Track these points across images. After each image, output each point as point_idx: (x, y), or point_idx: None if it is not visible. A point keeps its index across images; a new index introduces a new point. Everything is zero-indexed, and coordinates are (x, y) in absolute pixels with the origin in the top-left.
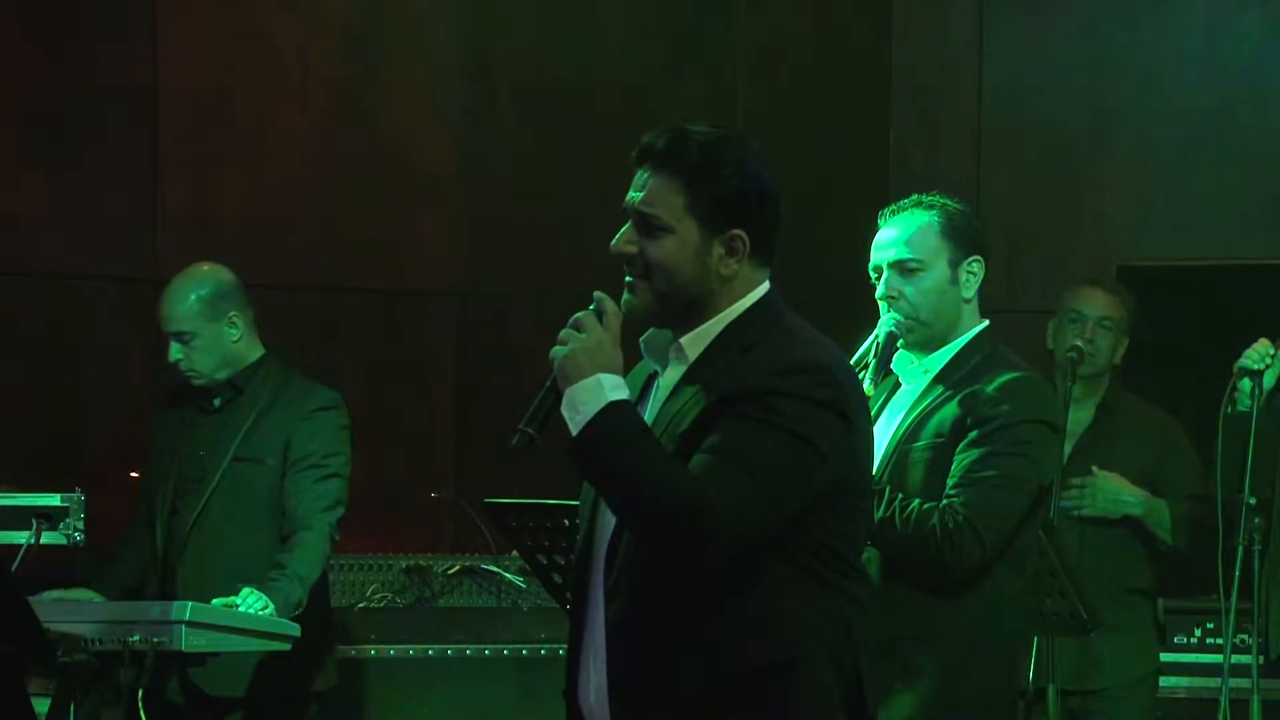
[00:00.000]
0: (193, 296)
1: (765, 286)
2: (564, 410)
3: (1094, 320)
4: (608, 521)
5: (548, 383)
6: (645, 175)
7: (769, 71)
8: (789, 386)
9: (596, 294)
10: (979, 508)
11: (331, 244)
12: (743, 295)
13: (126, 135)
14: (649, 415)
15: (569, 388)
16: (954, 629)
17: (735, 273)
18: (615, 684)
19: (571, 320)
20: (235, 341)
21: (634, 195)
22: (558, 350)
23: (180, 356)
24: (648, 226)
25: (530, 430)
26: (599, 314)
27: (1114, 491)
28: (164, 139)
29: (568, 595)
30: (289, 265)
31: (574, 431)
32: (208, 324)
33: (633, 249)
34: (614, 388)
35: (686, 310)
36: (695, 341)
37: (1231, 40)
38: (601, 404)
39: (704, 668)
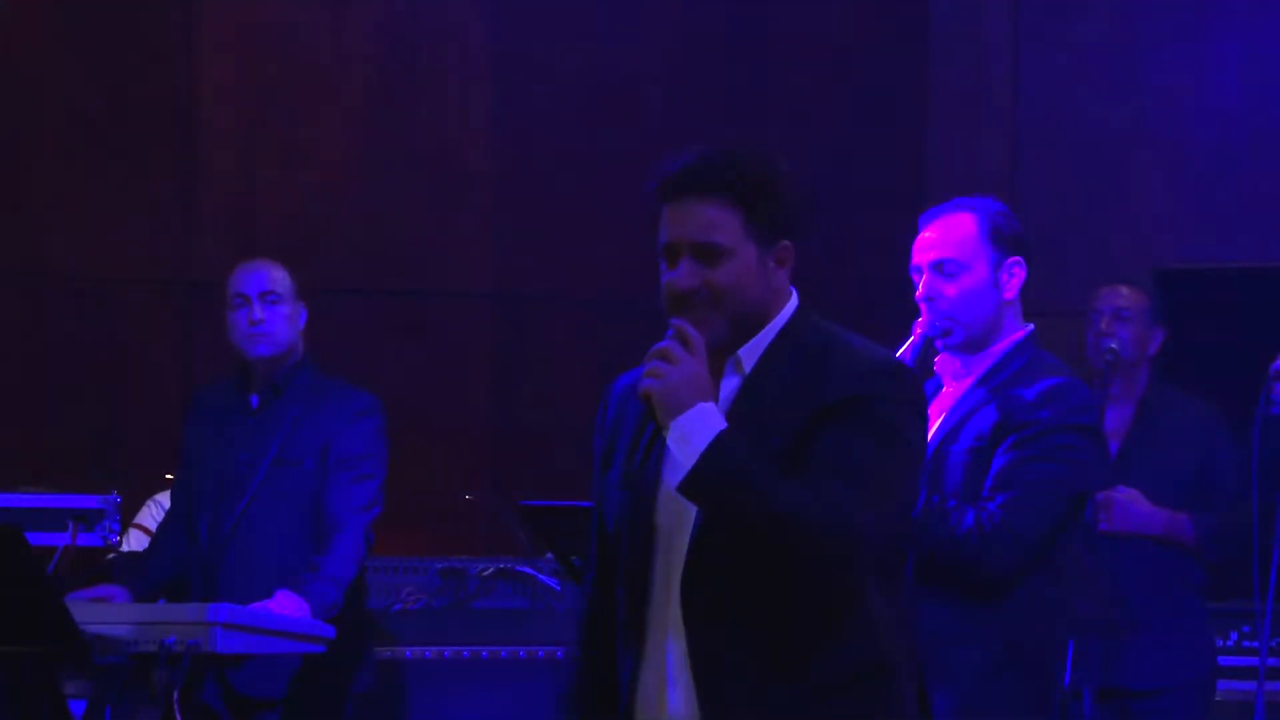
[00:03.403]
0: (286, 270)
1: (795, 294)
2: (672, 443)
3: (1109, 314)
4: (670, 546)
5: (647, 419)
6: (690, 205)
7: (804, 73)
8: (882, 390)
9: (675, 323)
10: (1015, 512)
11: (367, 245)
12: (784, 303)
13: (163, 138)
14: None
15: (674, 420)
16: (989, 632)
17: (781, 283)
18: (708, 705)
19: (655, 352)
20: (300, 330)
21: (683, 229)
22: (652, 384)
23: (262, 318)
24: (709, 255)
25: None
26: (682, 341)
27: (1133, 512)
28: (200, 142)
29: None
30: (324, 267)
31: (688, 463)
32: (293, 298)
33: (696, 282)
34: (716, 414)
35: (751, 326)
36: (750, 352)
37: (1268, 42)
38: (714, 433)
39: (800, 679)
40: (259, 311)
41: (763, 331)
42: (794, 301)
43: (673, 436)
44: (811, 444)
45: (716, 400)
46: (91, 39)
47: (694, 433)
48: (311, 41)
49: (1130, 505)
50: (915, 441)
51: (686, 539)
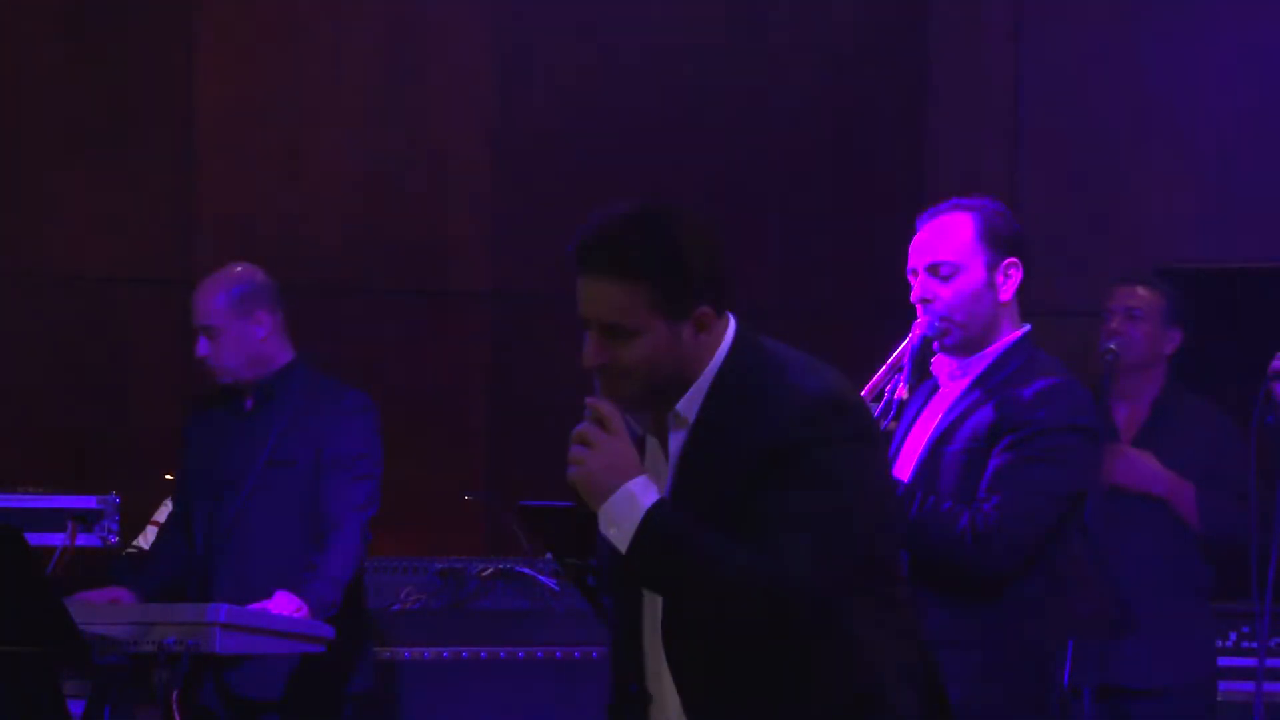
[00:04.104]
0: (222, 293)
1: (731, 324)
2: (602, 529)
3: (1122, 313)
4: (654, 601)
5: (577, 505)
6: (593, 283)
7: (803, 73)
8: (818, 433)
9: (589, 401)
10: (1010, 513)
11: (366, 246)
12: (717, 347)
13: (162, 139)
14: (662, 487)
15: (600, 507)
16: (987, 633)
17: (705, 342)
18: None
19: (574, 436)
20: (261, 340)
21: (588, 307)
22: (574, 472)
23: (208, 353)
24: (614, 334)
25: (576, 562)
26: (599, 421)
27: (1140, 466)
28: (200, 142)
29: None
30: (323, 267)
31: (621, 549)
32: (234, 320)
33: (605, 359)
34: (644, 491)
35: (673, 392)
36: (689, 403)
37: (1269, 41)
38: (640, 516)
39: (792, 714)
40: (201, 348)
41: (698, 381)
42: (729, 338)
43: (602, 522)
44: (751, 500)
45: (663, 451)
46: (91, 39)
47: (620, 518)
48: (311, 42)
49: (1138, 460)
50: (860, 480)
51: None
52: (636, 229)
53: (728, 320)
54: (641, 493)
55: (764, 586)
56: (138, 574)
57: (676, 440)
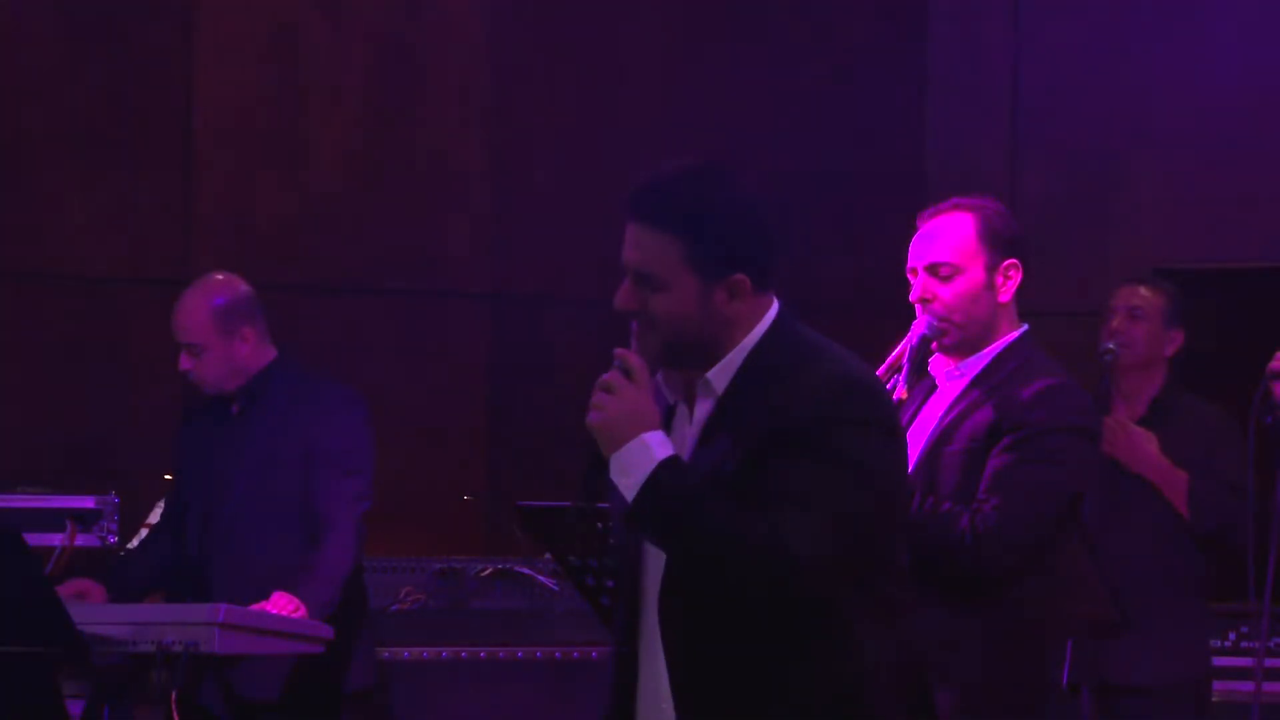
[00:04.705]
0: (204, 310)
1: (775, 306)
2: (614, 477)
3: (1124, 312)
4: (655, 566)
5: (593, 452)
6: (637, 228)
7: (804, 73)
8: (836, 413)
9: (617, 352)
10: (1008, 514)
11: (364, 246)
12: (755, 323)
13: (162, 139)
14: (684, 453)
15: (614, 454)
16: (986, 633)
17: (740, 312)
18: None
19: (599, 383)
20: (245, 355)
21: (628, 251)
22: (594, 417)
23: (190, 367)
24: (645, 282)
25: (584, 506)
26: (625, 371)
27: (1141, 446)
28: (199, 142)
29: (614, 628)
30: (321, 267)
31: (629, 497)
32: (218, 338)
33: (633, 305)
34: (659, 445)
35: (699, 353)
36: (720, 374)
37: (1268, 41)
38: (652, 466)
39: (775, 702)
40: (184, 363)
41: (733, 352)
42: (770, 317)
43: (614, 470)
44: (762, 471)
45: (690, 419)
46: (91, 39)
47: (632, 466)
48: (311, 42)
49: (1140, 439)
50: (875, 465)
51: (663, 561)
52: (684, 183)
53: (770, 300)
54: (656, 445)
55: (763, 554)
56: (115, 573)
57: (703, 408)
